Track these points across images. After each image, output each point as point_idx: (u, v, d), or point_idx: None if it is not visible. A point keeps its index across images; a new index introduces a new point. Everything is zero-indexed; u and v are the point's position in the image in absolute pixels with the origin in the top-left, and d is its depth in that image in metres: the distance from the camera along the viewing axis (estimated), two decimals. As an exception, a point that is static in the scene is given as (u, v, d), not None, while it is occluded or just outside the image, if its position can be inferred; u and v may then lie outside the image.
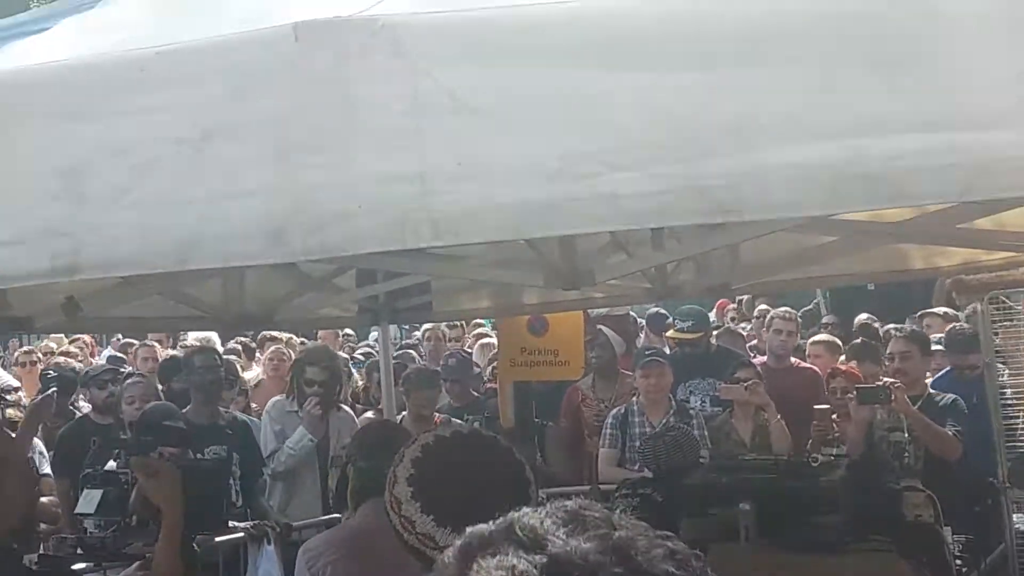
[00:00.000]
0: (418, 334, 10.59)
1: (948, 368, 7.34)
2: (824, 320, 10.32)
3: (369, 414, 6.93)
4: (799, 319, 7.78)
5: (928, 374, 7.11)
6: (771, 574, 4.11)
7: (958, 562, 4.26)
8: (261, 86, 1.97)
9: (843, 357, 7.68)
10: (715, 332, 8.89)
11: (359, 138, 1.91)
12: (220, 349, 8.19)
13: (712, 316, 10.74)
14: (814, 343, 8.17)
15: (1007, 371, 7.02)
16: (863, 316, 9.74)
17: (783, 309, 7.82)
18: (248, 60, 1.99)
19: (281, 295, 5.39)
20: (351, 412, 6.96)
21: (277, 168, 1.93)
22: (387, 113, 1.91)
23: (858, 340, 8.02)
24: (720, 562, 1.30)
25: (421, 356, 9.25)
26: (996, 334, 7.28)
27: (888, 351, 6.89)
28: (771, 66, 1.90)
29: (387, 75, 1.92)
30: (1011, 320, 7.16)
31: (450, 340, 9.85)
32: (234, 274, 4.83)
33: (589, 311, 7.39)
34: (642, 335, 10.10)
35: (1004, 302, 6.97)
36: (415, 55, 1.92)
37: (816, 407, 6.62)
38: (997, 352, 7.02)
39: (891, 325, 8.59)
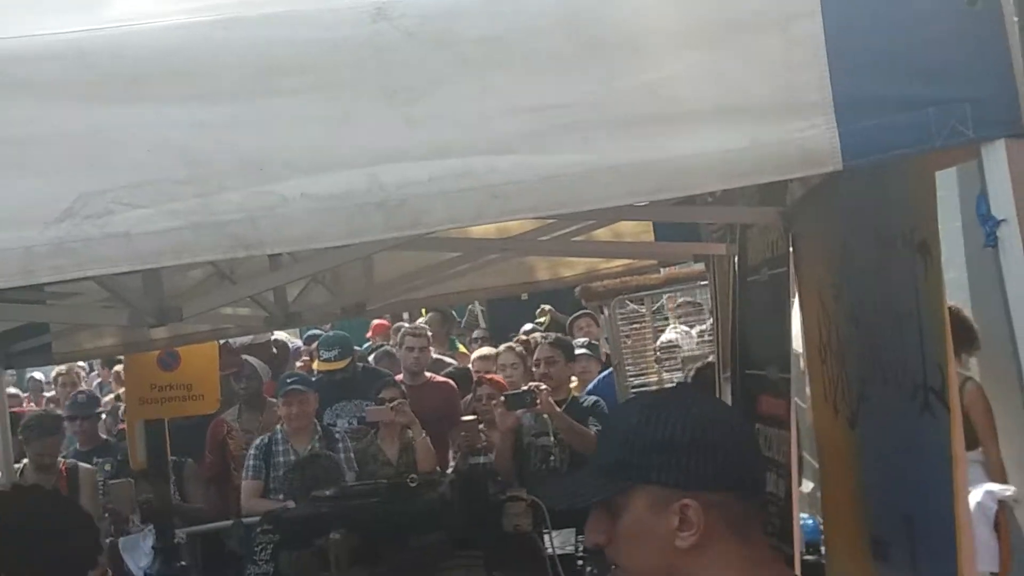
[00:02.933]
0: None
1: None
2: (475, 335, 10.54)
3: None
4: (429, 335, 7.85)
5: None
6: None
7: (579, 562, 4.40)
8: None
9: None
10: (371, 355, 8.89)
11: None
12: None
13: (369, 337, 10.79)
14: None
15: (635, 369, 7.44)
16: (527, 326, 9.99)
17: (412, 326, 7.88)
18: None
19: None
20: None
21: None
22: None
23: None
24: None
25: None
26: (628, 337, 7.72)
27: (535, 357, 7.08)
28: (288, 97, 1.89)
29: None
30: (637, 323, 7.61)
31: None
32: None
33: (232, 341, 7.23)
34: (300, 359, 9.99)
35: (629, 305, 7.40)
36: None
37: (463, 419, 6.74)
38: (626, 353, 7.44)
39: (538, 333, 8.85)
